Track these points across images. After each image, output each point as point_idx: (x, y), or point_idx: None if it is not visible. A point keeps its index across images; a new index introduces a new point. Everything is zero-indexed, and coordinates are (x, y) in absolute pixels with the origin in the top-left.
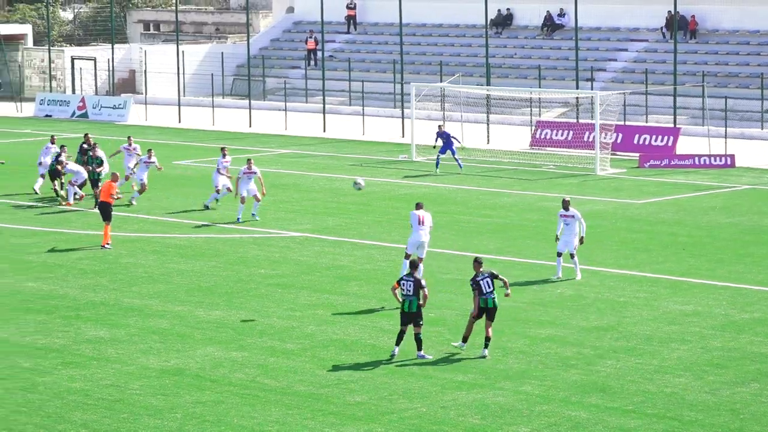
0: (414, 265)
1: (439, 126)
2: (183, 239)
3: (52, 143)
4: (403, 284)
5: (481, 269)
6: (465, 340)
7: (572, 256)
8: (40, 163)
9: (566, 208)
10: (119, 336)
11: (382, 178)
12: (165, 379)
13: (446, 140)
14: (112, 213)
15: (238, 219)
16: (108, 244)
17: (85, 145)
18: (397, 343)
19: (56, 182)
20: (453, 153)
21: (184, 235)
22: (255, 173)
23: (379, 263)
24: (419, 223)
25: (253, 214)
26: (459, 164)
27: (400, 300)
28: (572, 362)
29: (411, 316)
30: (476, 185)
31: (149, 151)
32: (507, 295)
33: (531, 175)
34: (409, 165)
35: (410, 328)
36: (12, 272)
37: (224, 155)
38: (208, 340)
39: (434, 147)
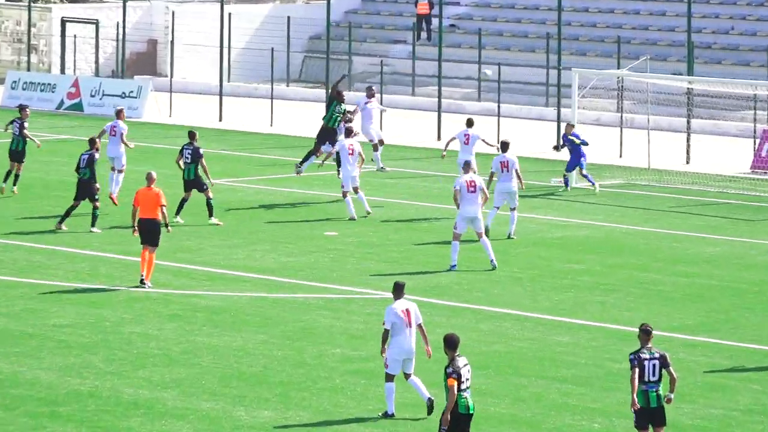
0: None
1: (569, 125)
2: (216, 298)
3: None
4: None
5: (649, 344)
6: None
7: None
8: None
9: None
10: None
11: (528, 213)
12: None
13: (573, 148)
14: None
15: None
16: (148, 281)
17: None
18: None
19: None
20: (582, 167)
21: (219, 293)
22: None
23: (515, 343)
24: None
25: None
26: (590, 181)
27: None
28: None
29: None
30: (668, 226)
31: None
32: (668, 400)
33: (753, 213)
34: (567, 194)
35: None
36: None
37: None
38: None
39: (558, 148)
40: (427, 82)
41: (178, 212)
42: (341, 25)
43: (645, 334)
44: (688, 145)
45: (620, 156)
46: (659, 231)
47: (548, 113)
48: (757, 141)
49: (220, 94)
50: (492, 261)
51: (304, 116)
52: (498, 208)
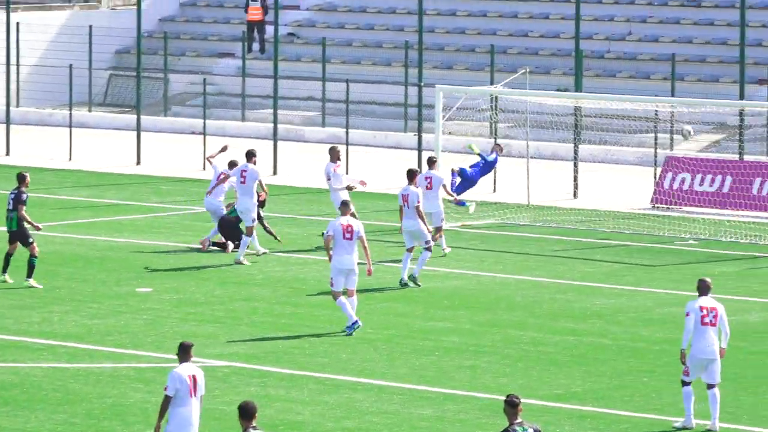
0: None
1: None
2: (6, 370)
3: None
4: None
5: (517, 419)
6: None
7: (710, 387)
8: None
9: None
10: None
11: (385, 260)
12: None
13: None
14: None
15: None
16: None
17: None
18: None
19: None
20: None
21: (8, 365)
22: None
23: (369, 417)
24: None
25: None
26: (461, 204)
27: None
28: None
29: None
30: (550, 275)
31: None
32: None
33: (653, 257)
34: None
35: None
36: None
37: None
38: None
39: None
40: (261, 104)
41: (4, 270)
42: (155, 36)
43: (511, 406)
44: (576, 176)
45: (494, 191)
46: (540, 280)
47: (407, 140)
48: (659, 170)
49: (7, 123)
50: (350, 324)
51: (110, 148)
52: (410, 251)
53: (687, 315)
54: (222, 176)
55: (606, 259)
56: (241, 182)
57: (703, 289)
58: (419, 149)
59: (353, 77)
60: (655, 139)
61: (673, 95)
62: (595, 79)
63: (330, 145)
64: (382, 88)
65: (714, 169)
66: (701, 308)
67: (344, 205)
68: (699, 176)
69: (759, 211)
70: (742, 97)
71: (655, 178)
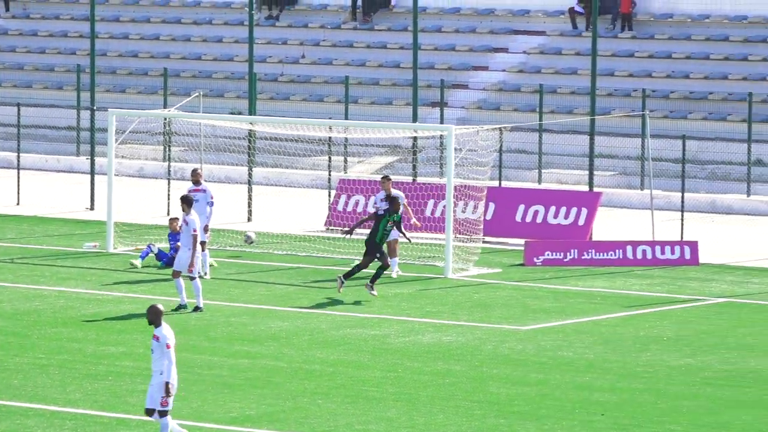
0: None
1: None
2: None
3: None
4: None
5: None
6: None
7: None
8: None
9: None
10: None
11: (58, 285)
12: None
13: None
14: None
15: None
16: None
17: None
18: None
19: None
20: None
21: None
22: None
23: None
24: None
25: None
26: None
27: None
28: None
29: None
30: (226, 298)
31: None
32: None
33: (327, 279)
34: (101, 260)
35: None
36: None
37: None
38: None
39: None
40: None
41: None
42: None
43: None
44: (250, 199)
45: (167, 213)
46: (214, 303)
47: (79, 164)
48: (333, 193)
49: None
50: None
51: None
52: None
53: (168, 347)
54: None
55: (281, 281)
56: None
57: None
58: (92, 173)
59: (24, 101)
60: (329, 161)
61: (346, 118)
62: (269, 102)
63: None
64: (54, 111)
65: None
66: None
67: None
68: (373, 198)
69: (433, 232)
70: (415, 119)
71: (329, 200)
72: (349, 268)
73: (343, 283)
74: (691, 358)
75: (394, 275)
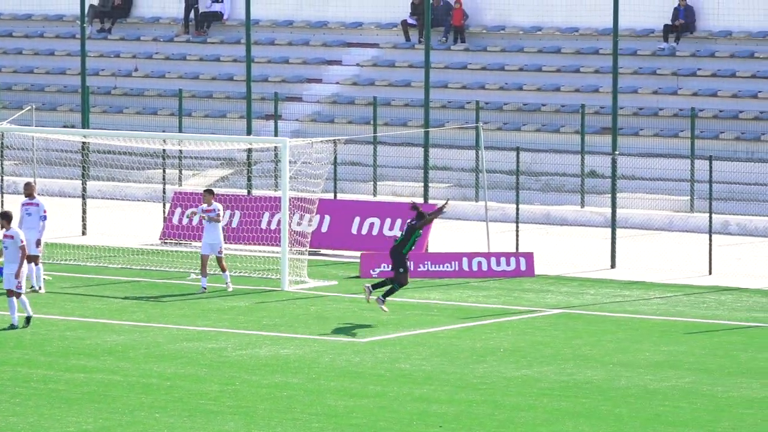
0: None
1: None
2: None
3: None
4: None
5: None
6: None
7: None
8: None
9: None
10: None
11: None
12: None
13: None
14: None
15: None
16: None
17: None
18: None
19: None
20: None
21: None
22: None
23: None
24: None
25: None
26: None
27: None
28: None
29: None
30: (62, 312)
31: None
32: None
33: (162, 292)
34: None
35: None
36: None
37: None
38: None
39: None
40: None
41: None
42: None
43: None
44: (84, 213)
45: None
46: (50, 318)
47: None
48: (168, 206)
49: None
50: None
51: None
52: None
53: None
54: None
55: (116, 295)
56: None
57: None
58: None
59: None
60: (164, 175)
61: (180, 131)
62: (102, 115)
63: None
64: None
65: (223, 204)
66: None
67: None
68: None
69: (269, 245)
70: (249, 132)
71: (164, 213)
72: (387, 288)
73: (383, 302)
74: (527, 369)
75: (229, 289)
